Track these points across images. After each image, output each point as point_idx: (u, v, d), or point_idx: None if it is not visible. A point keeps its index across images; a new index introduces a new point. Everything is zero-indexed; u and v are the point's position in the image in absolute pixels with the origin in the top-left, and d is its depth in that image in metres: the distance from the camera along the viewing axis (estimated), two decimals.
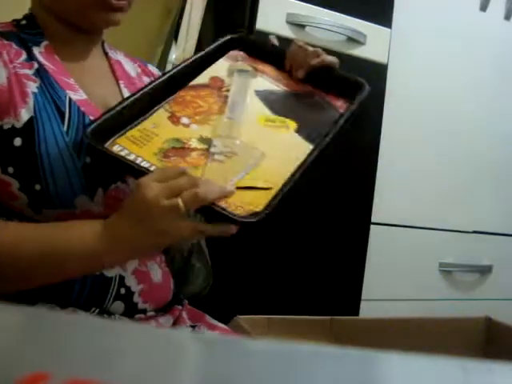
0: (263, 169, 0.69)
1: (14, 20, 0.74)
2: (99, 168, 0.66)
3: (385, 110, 1.39)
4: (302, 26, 1.27)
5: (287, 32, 1.25)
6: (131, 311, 0.70)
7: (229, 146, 0.70)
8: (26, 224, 0.65)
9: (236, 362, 0.22)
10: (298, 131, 0.76)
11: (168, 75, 0.78)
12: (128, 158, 0.65)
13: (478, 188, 1.58)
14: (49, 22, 0.72)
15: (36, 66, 0.68)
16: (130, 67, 0.84)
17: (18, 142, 0.64)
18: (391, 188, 1.43)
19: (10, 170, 0.64)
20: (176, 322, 0.77)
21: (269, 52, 0.89)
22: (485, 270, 1.59)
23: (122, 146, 0.67)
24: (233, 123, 0.74)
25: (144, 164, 0.65)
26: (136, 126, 0.71)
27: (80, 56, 0.76)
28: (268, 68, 0.86)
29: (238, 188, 0.63)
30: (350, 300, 1.39)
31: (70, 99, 0.68)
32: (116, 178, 0.68)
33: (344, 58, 1.33)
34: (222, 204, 0.60)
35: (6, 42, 0.68)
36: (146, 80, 0.85)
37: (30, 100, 0.65)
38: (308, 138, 0.75)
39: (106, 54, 0.81)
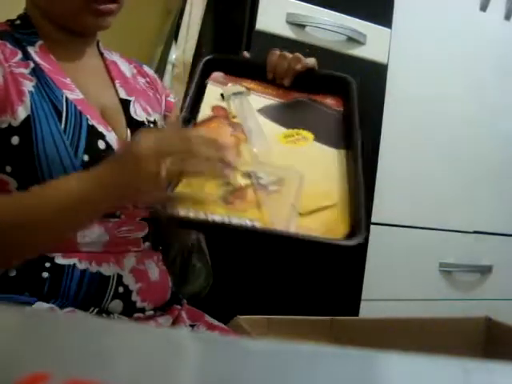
0: (312, 186, 0.67)
1: (8, 20, 0.74)
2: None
3: (385, 110, 1.39)
4: (302, 26, 1.27)
5: (287, 32, 1.25)
6: (130, 310, 0.70)
7: (273, 173, 0.68)
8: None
9: (236, 362, 0.22)
10: (316, 140, 0.75)
11: (179, 122, 0.72)
12: (200, 217, 0.60)
13: (479, 188, 1.58)
14: (42, 23, 0.73)
15: (32, 65, 0.68)
16: (126, 68, 0.84)
17: (15, 140, 0.64)
18: (391, 188, 1.43)
19: (8, 168, 0.64)
20: (175, 322, 0.77)
21: (248, 66, 0.88)
22: (485, 270, 1.59)
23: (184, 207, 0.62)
24: (263, 150, 0.72)
25: (215, 218, 0.60)
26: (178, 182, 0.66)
27: (75, 56, 0.76)
28: (252, 83, 0.85)
29: (307, 213, 0.63)
30: (350, 300, 1.38)
31: (67, 98, 0.68)
32: None
33: (344, 58, 1.34)
34: (301, 230, 0.60)
35: (0, 41, 0.68)
36: (142, 80, 0.85)
37: (27, 98, 0.65)
38: (329, 143, 0.75)
39: (101, 54, 0.81)
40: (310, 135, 0.76)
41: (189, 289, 0.89)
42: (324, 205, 0.65)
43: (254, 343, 0.27)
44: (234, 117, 0.76)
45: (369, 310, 1.40)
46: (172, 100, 0.90)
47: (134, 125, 0.76)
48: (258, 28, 1.22)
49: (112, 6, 0.71)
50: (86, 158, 0.66)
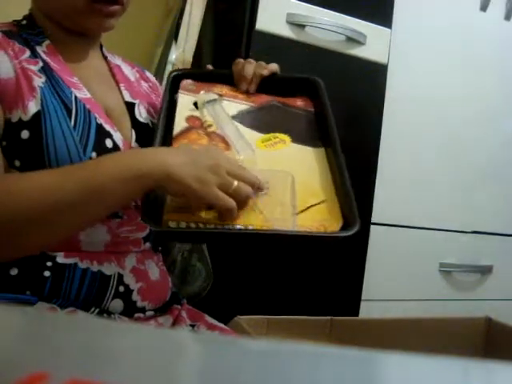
0: (298, 186, 0.68)
1: (14, 20, 0.74)
2: None
3: (385, 110, 1.39)
4: (302, 26, 1.27)
5: (287, 32, 1.25)
6: (130, 310, 0.71)
7: (264, 177, 0.67)
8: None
9: (236, 362, 0.22)
10: (293, 141, 0.76)
11: (157, 140, 0.71)
12: (192, 227, 0.61)
13: (479, 188, 1.58)
14: (46, 24, 0.73)
15: (41, 63, 0.69)
16: (129, 72, 0.85)
17: (25, 134, 0.64)
18: (391, 188, 1.43)
19: (17, 163, 0.64)
20: (175, 322, 0.77)
21: (215, 76, 0.88)
22: (485, 270, 1.59)
23: (175, 220, 0.62)
24: (248, 156, 0.72)
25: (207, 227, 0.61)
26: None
27: (80, 57, 0.76)
28: (223, 88, 0.85)
29: (298, 213, 0.64)
30: (350, 300, 1.38)
31: (76, 97, 0.69)
32: None
33: (344, 57, 1.34)
34: (296, 228, 0.61)
35: (9, 40, 0.68)
36: (145, 85, 0.86)
37: (38, 94, 0.66)
38: (306, 143, 0.76)
39: (105, 58, 0.82)
40: (286, 137, 0.76)
41: (189, 289, 0.89)
42: (313, 202, 0.66)
43: (254, 343, 0.27)
44: (209, 125, 0.75)
45: (369, 310, 1.40)
46: None
47: (139, 127, 0.77)
48: (257, 28, 1.22)
49: (115, 8, 0.71)
50: (94, 155, 0.66)
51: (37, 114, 0.64)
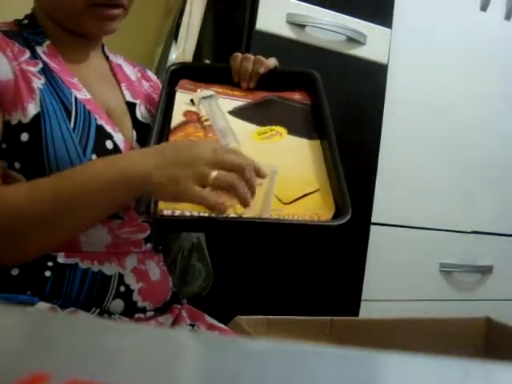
0: (293, 175, 0.70)
1: (15, 20, 0.74)
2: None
3: (385, 110, 1.39)
4: (302, 26, 1.27)
5: (287, 32, 1.25)
6: (131, 310, 0.70)
7: None
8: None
9: (236, 361, 0.22)
10: (290, 133, 0.78)
11: (153, 132, 0.73)
12: (186, 215, 0.62)
13: (478, 188, 1.58)
14: (48, 24, 0.73)
15: (40, 64, 0.69)
16: (130, 71, 0.85)
17: (24, 137, 0.64)
18: (391, 188, 1.43)
19: (17, 165, 0.64)
20: (175, 321, 0.77)
21: (214, 71, 0.89)
22: (485, 271, 1.59)
23: (170, 209, 0.63)
24: (236, 148, 0.73)
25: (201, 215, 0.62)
26: None
27: (80, 57, 0.76)
28: (220, 88, 0.86)
29: (292, 201, 0.65)
30: (350, 300, 1.38)
31: (76, 98, 0.69)
32: None
33: (344, 58, 1.34)
34: (287, 217, 0.63)
35: (9, 40, 0.68)
36: (146, 84, 0.86)
37: (37, 96, 0.65)
38: (303, 135, 0.78)
39: (106, 57, 0.82)
40: (283, 130, 0.78)
41: (189, 289, 0.89)
42: (307, 191, 0.67)
43: (254, 343, 0.27)
44: (206, 120, 0.78)
45: (369, 310, 1.40)
46: None
47: (140, 127, 0.77)
48: (257, 28, 1.22)
49: (115, 12, 0.70)
50: (94, 157, 0.66)
51: (36, 116, 0.64)
